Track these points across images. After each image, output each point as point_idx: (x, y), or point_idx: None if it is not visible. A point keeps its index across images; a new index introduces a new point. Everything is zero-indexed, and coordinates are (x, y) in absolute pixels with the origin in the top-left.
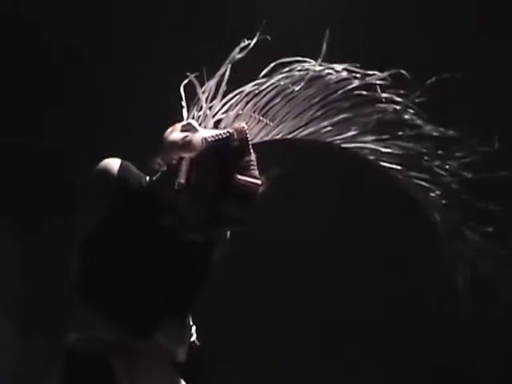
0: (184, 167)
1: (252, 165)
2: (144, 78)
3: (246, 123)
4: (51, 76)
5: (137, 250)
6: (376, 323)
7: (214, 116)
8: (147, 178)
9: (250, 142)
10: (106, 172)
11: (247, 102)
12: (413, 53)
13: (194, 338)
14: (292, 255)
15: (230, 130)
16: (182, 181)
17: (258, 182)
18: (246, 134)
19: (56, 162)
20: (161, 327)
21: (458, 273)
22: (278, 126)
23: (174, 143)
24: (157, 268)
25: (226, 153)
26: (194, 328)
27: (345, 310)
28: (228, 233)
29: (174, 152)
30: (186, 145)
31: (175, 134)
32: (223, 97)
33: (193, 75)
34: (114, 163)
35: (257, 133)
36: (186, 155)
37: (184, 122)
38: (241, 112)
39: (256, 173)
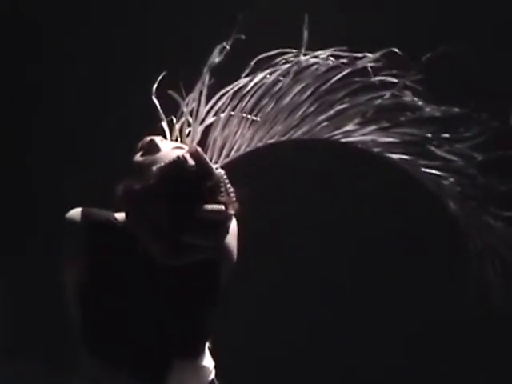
0: (138, 198)
1: (217, 188)
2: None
3: (237, 128)
4: (50, 76)
5: (128, 289)
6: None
7: (201, 123)
8: (114, 214)
9: (208, 164)
10: (72, 226)
11: (235, 105)
12: (403, 27)
13: (212, 376)
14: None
15: (180, 155)
16: (136, 214)
17: (222, 208)
18: (201, 155)
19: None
20: (172, 369)
21: (484, 264)
22: (270, 128)
23: (136, 167)
24: (152, 303)
25: (179, 181)
26: (212, 365)
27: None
28: (235, 251)
29: (132, 179)
30: (143, 171)
31: (137, 156)
32: (207, 101)
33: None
34: (74, 216)
35: (250, 139)
36: (140, 184)
37: (146, 139)
38: (232, 113)
39: (223, 197)
